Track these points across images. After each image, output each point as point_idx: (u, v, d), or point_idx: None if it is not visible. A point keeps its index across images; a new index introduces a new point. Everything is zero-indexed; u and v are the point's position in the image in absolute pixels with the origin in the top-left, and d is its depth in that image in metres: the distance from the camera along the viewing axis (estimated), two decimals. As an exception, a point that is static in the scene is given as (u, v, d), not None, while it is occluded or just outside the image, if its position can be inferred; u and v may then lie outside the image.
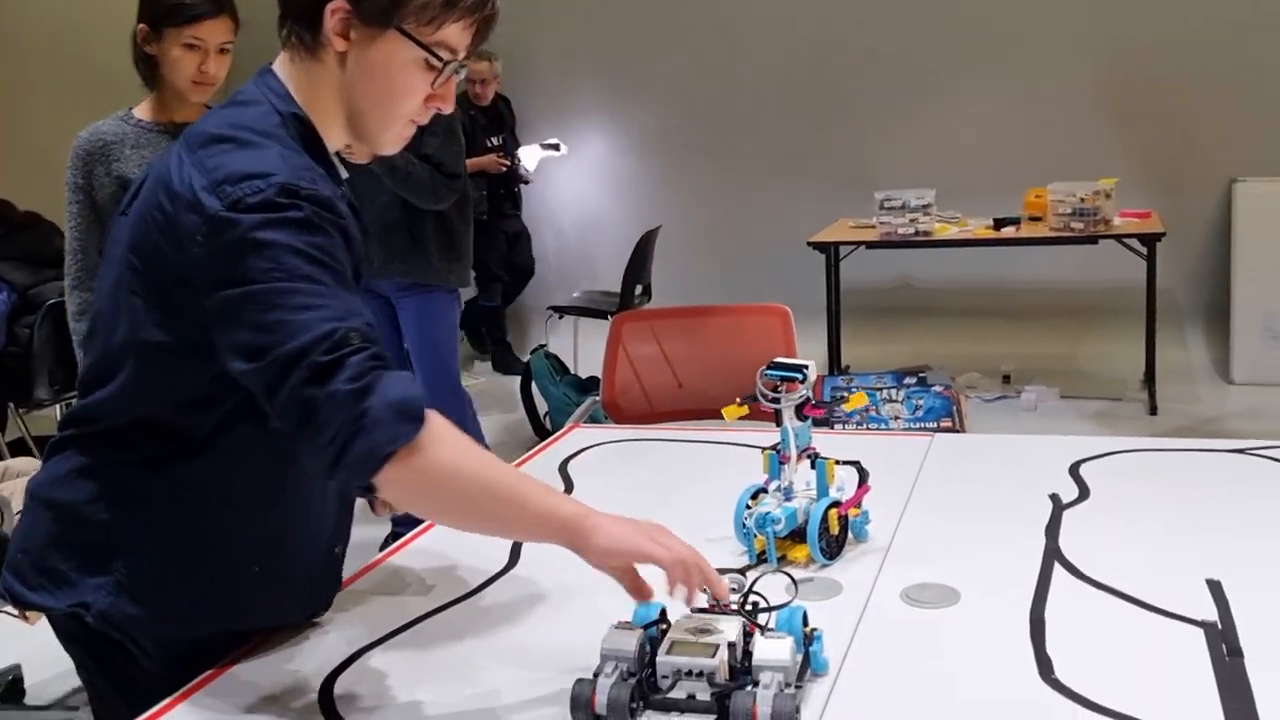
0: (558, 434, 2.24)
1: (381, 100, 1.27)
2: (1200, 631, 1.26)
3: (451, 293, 3.59)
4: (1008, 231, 4.95)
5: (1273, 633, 1.24)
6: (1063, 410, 4.99)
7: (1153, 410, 4.85)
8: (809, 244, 5.19)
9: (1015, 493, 1.71)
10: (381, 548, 1.72)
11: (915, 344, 5.80)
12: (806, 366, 1.48)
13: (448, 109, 1.31)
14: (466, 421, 3.68)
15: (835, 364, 5.36)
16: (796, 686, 1.13)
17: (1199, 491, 1.70)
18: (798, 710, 1.09)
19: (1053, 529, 1.57)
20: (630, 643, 1.13)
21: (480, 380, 6.15)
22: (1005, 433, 4.63)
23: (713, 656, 1.11)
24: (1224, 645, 1.22)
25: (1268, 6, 5.30)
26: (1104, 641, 1.25)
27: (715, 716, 1.09)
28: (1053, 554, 1.48)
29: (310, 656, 1.33)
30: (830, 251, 5.21)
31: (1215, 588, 1.36)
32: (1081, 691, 1.15)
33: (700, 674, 1.11)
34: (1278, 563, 1.43)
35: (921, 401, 4.81)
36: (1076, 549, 1.49)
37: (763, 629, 1.15)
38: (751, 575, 1.21)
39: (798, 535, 1.48)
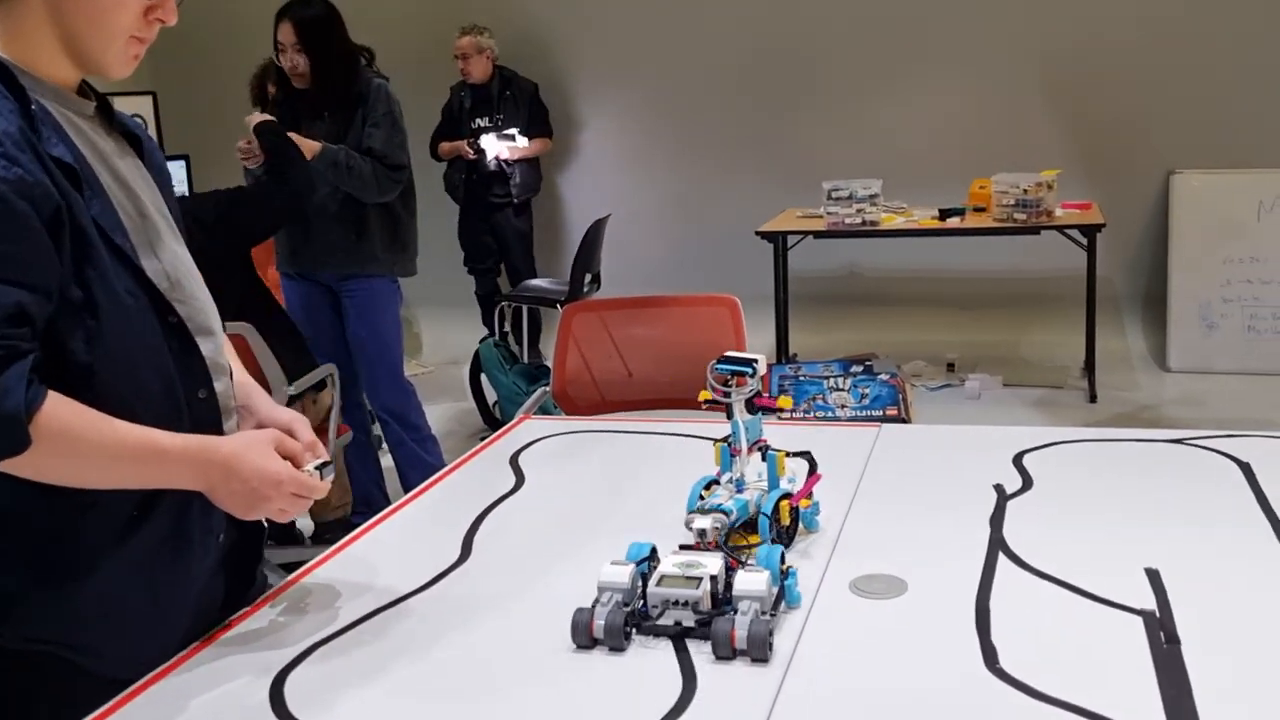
0: (508, 425, 2.23)
1: (93, 17, 1.23)
2: (1139, 620, 1.29)
3: (394, 283, 3.57)
4: (953, 222, 5.01)
5: (1209, 621, 1.28)
6: (1006, 398, 5.08)
7: (1092, 398, 4.94)
8: (757, 233, 5.22)
9: (960, 483, 1.74)
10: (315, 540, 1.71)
11: (862, 333, 5.86)
12: (756, 361, 1.51)
13: (170, 20, 1.28)
14: (410, 411, 3.66)
15: (783, 353, 5.40)
16: (771, 614, 1.26)
17: (1138, 481, 1.73)
18: (771, 634, 1.23)
19: (997, 519, 1.60)
20: (624, 576, 1.28)
21: (428, 369, 6.11)
22: (950, 420, 4.76)
23: (697, 588, 1.26)
24: (1162, 634, 1.25)
25: (1204, 4, 5.40)
26: (1047, 630, 1.28)
27: (699, 640, 1.24)
28: (997, 544, 1.51)
29: (261, 652, 1.32)
30: (778, 241, 5.24)
31: (1154, 576, 1.39)
32: (1025, 680, 1.17)
33: (686, 603, 1.26)
34: (1213, 552, 1.47)
35: (868, 390, 4.86)
36: (1020, 539, 1.52)
37: (743, 564, 1.31)
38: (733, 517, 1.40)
39: (749, 526, 1.50)
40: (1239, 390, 5.01)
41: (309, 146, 3.28)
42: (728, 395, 1.51)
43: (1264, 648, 1.22)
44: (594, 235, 5.45)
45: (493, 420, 4.93)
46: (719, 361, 1.52)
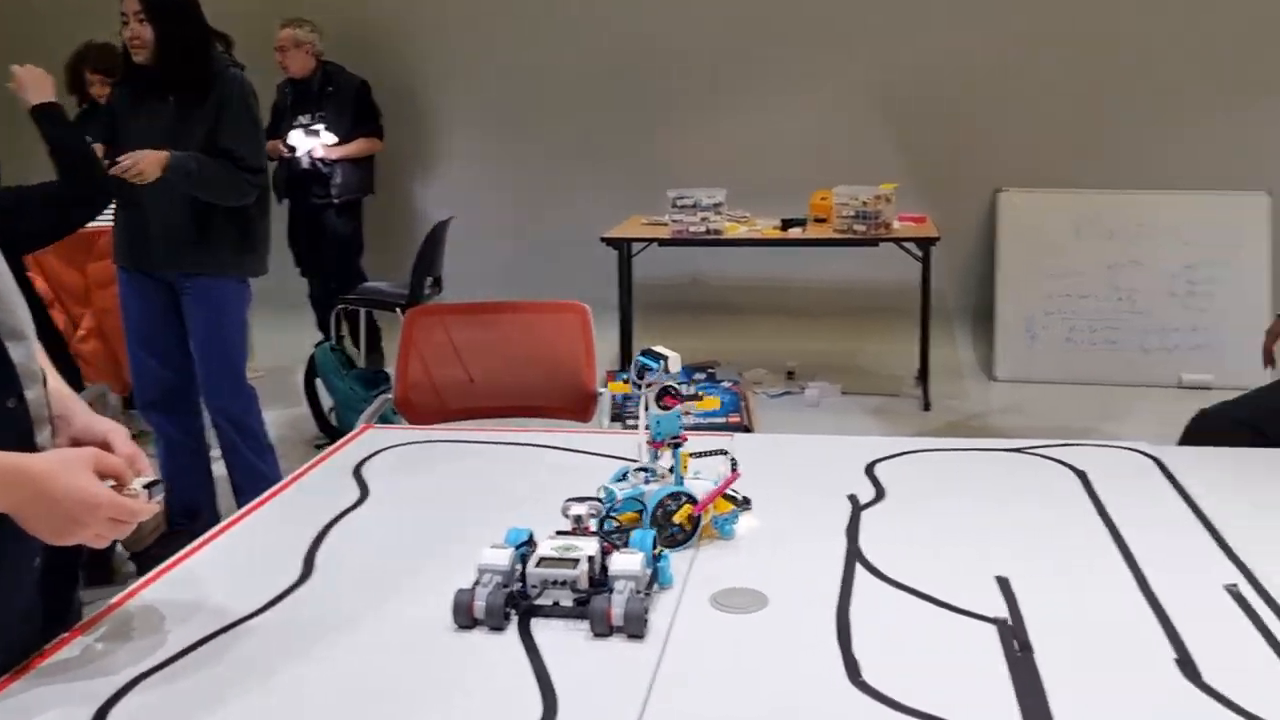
0: (350, 435, 2.14)
1: None
2: (994, 628, 1.30)
3: (242, 282, 3.39)
4: (795, 232, 5.10)
5: (1058, 628, 1.30)
6: (844, 405, 5.19)
7: (926, 406, 5.11)
8: (602, 240, 5.20)
9: (816, 494, 1.74)
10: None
11: (704, 340, 5.90)
12: (666, 357, 1.54)
13: None
14: (250, 417, 3.49)
15: (625, 360, 5.39)
16: (646, 594, 1.32)
17: (984, 490, 1.77)
18: (646, 611, 1.29)
19: (853, 530, 1.61)
20: (504, 558, 1.34)
21: (258, 374, 5.86)
22: (791, 427, 4.83)
23: (575, 568, 1.32)
24: (1015, 642, 1.27)
25: (1030, 35, 5.67)
26: (907, 642, 1.28)
27: (578, 618, 1.30)
28: (854, 555, 1.52)
29: (80, 683, 1.21)
30: (623, 248, 5.24)
31: (1004, 584, 1.41)
32: (888, 693, 1.17)
33: (564, 583, 1.32)
34: (1058, 559, 1.50)
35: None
36: (876, 549, 1.53)
37: (618, 547, 1.36)
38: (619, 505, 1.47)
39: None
40: (1060, 398, 5.26)
41: (157, 158, 3.03)
42: (639, 388, 1.55)
43: (1112, 652, 1.25)
44: (436, 238, 5.33)
45: (328, 427, 4.76)
46: (641, 354, 1.57)
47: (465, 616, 1.30)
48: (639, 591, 1.31)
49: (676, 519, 1.51)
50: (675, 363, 1.54)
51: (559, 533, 1.40)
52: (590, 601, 1.29)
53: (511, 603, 1.32)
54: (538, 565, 1.34)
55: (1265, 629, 1.30)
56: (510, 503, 1.72)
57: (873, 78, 5.84)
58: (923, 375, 5.24)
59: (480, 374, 2.85)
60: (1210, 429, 2.81)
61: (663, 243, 5.19)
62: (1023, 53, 5.66)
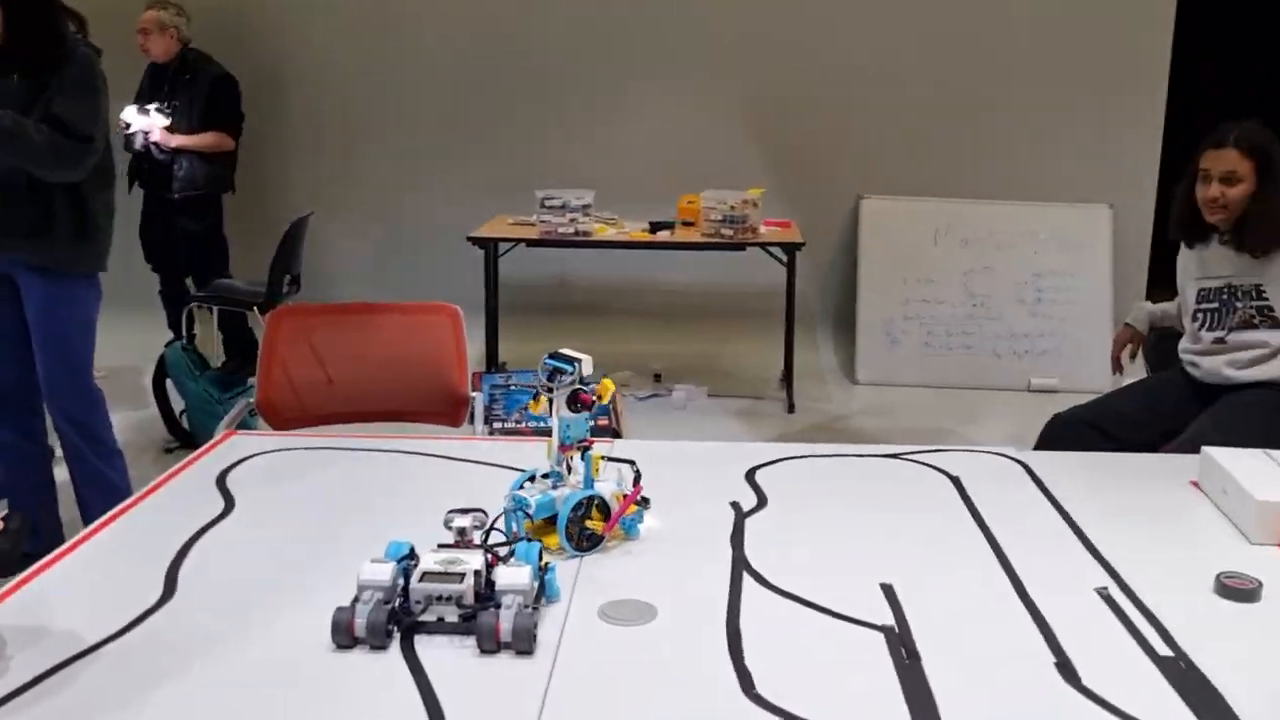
0: (212, 442, 2.03)
1: None
2: (881, 636, 1.31)
3: (90, 279, 3.19)
4: (663, 235, 5.11)
5: (943, 634, 1.32)
6: (711, 408, 5.23)
7: (790, 408, 5.18)
8: (469, 239, 5.12)
9: (699, 501, 1.73)
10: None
11: (571, 342, 5.76)
12: (579, 360, 1.52)
13: None
14: (96, 421, 3.30)
15: (492, 361, 5.33)
16: (534, 608, 1.28)
17: (864, 496, 1.79)
18: (535, 626, 1.26)
19: (737, 538, 1.60)
20: (385, 573, 1.28)
21: (101, 374, 5.57)
22: (659, 429, 4.83)
23: (461, 582, 1.27)
24: (903, 649, 1.28)
25: (892, 47, 5.81)
26: (798, 651, 1.28)
27: (464, 634, 1.26)
28: (740, 564, 1.51)
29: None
30: (490, 248, 5.17)
31: (889, 591, 1.43)
32: (783, 705, 1.16)
33: (450, 598, 1.27)
34: (939, 565, 1.52)
35: (579, 400, 4.87)
36: (762, 557, 1.53)
37: (503, 560, 1.33)
38: (493, 513, 1.42)
39: (553, 522, 1.50)
40: (919, 401, 5.41)
41: None
42: (550, 390, 1.52)
43: (996, 658, 1.27)
44: (294, 235, 5.15)
45: (179, 431, 4.56)
46: (549, 357, 1.54)
47: (345, 636, 1.25)
48: (527, 606, 1.27)
49: (589, 524, 1.51)
50: (588, 365, 1.52)
51: (442, 546, 1.35)
52: (477, 617, 1.25)
53: (394, 620, 1.27)
54: (421, 580, 1.29)
55: (1136, 631, 1.34)
56: (388, 514, 1.66)
57: (739, 83, 5.90)
58: (787, 378, 5.32)
59: (348, 377, 2.75)
60: (1064, 432, 2.92)
61: (530, 243, 5.13)
62: (886, 63, 5.81)
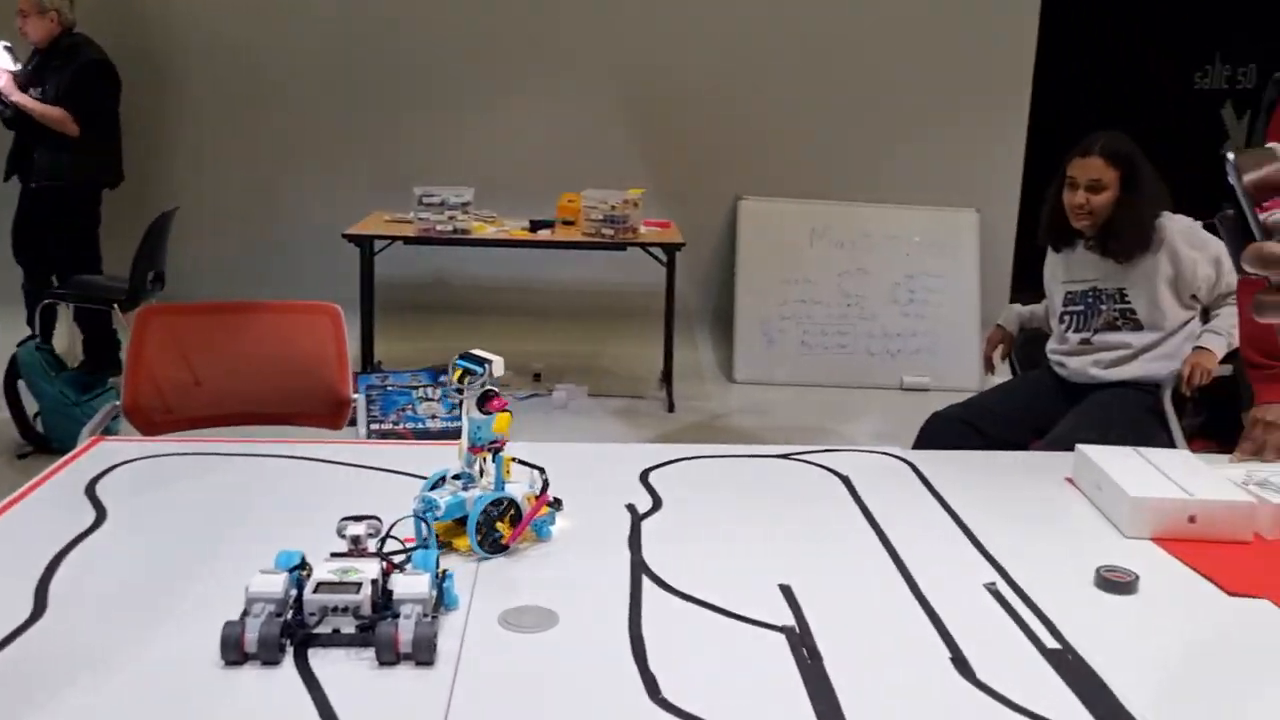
0: (78, 449, 1.93)
1: None
2: (783, 637, 1.32)
3: None
4: (543, 234, 5.08)
5: (842, 633, 1.33)
6: (591, 408, 5.22)
7: (670, 408, 5.21)
8: (344, 236, 5.00)
9: (594, 504, 1.72)
10: None
11: (449, 341, 5.76)
12: (490, 361, 1.50)
13: None
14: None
15: (368, 361, 5.22)
16: (433, 617, 1.25)
17: (758, 497, 1.80)
18: (435, 636, 1.23)
19: (635, 541, 1.59)
20: (277, 585, 1.23)
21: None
22: (540, 429, 4.80)
23: (358, 592, 1.23)
24: (804, 649, 1.29)
25: (770, 50, 5.90)
26: (701, 654, 1.28)
27: (362, 646, 1.22)
28: (639, 567, 1.50)
29: None
30: (366, 245, 5.06)
31: (787, 592, 1.44)
32: (689, 709, 1.15)
33: (346, 609, 1.23)
34: (834, 564, 1.54)
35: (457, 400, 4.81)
36: (660, 560, 1.52)
37: (399, 568, 1.30)
38: (389, 520, 1.36)
39: (463, 524, 1.50)
40: (795, 400, 5.50)
41: None
42: (461, 391, 1.51)
43: (894, 655, 1.29)
44: (159, 230, 4.96)
45: (33, 435, 4.33)
46: (459, 358, 1.51)
47: (235, 651, 1.19)
48: (426, 615, 1.24)
49: (500, 526, 1.49)
50: (499, 366, 1.51)
51: (335, 555, 1.31)
52: (375, 628, 1.21)
53: (287, 633, 1.22)
54: (315, 591, 1.24)
55: (1024, 625, 1.38)
56: (274, 522, 1.60)
57: (619, 83, 5.91)
58: (667, 377, 5.34)
59: (222, 379, 2.65)
60: (941, 429, 3.00)
61: (408, 241, 5.05)
62: (763, 66, 5.89)
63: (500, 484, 1.52)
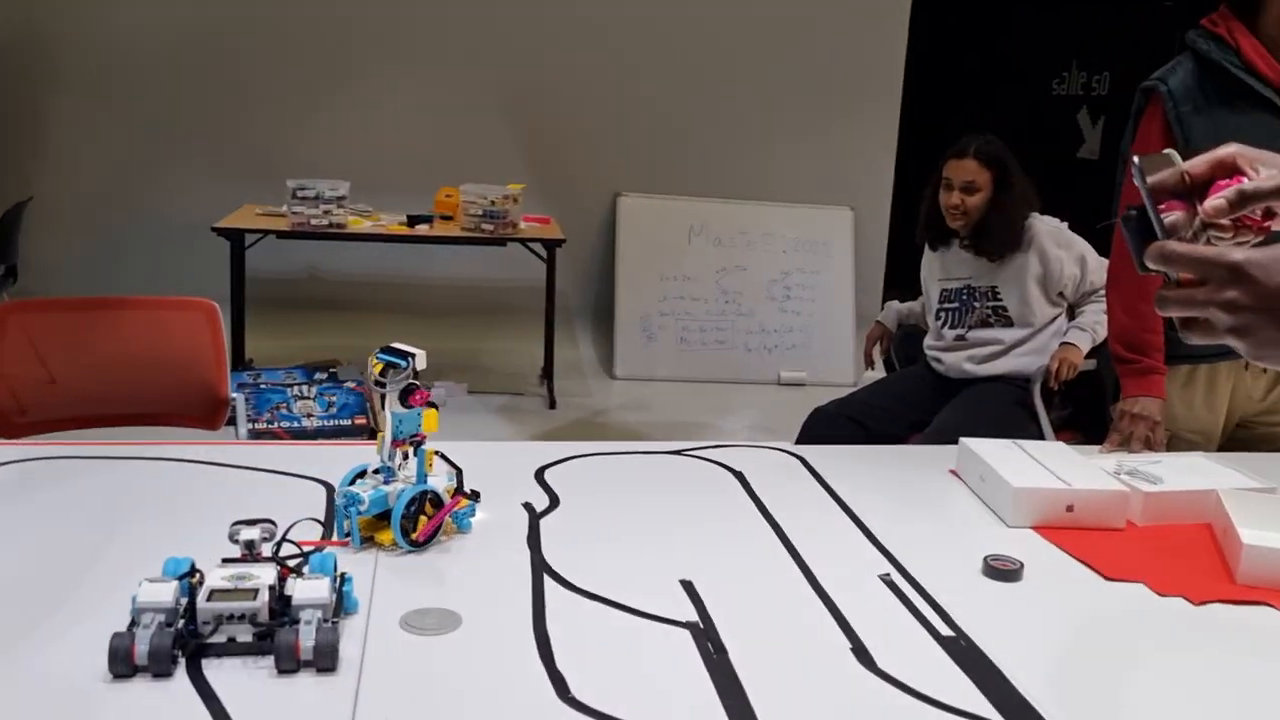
0: (-63, 453, 1.82)
1: None
2: (687, 632, 1.33)
3: None
4: (421, 229, 5.01)
5: (746, 627, 1.34)
6: (471, 405, 5.17)
7: (552, 404, 5.20)
8: (214, 230, 4.84)
9: (491, 503, 1.69)
10: None
11: (324, 338, 5.67)
12: (413, 355, 1.50)
13: None
14: None
15: (239, 359, 5.06)
16: (334, 622, 1.22)
17: (653, 494, 1.81)
18: (338, 641, 1.19)
19: (534, 540, 1.58)
20: (166, 594, 1.18)
21: None
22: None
23: (254, 599, 1.19)
24: (709, 644, 1.30)
25: (647, 47, 5.93)
26: (608, 652, 1.27)
27: (259, 654, 1.18)
28: (540, 566, 1.49)
29: None
30: (236, 239, 4.91)
31: (689, 587, 1.44)
32: (599, 707, 1.15)
33: (242, 617, 1.19)
34: (733, 558, 1.56)
35: (334, 398, 4.71)
36: (561, 559, 1.51)
37: (295, 572, 1.26)
38: (284, 525, 1.32)
39: (385, 518, 1.49)
40: (675, 395, 5.54)
41: None
42: (383, 385, 1.49)
43: (797, 647, 1.31)
44: (9, 223, 4.73)
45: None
46: (380, 351, 1.51)
47: (124, 664, 1.14)
48: (327, 620, 1.21)
49: (423, 520, 1.49)
50: (421, 360, 1.50)
51: (227, 560, 1.27)
52: (274, 635, 1.17)
53: (179, 644, 1.17)
54: (209, 599, 1.20)
55: (919, 614, 1.41)
56: (157, 529, 1.54)
57: (497, 76, 5.86)
58: (547, 374, 5.33)
59: (89, 378, 2.54)
60: (823, 424, 3.06)
61: (281, 235, 4.91)
62: (642, 63, 5.92)
63: (423, 477, 1.52)
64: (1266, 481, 1.84)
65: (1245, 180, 0.94)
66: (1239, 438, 2.36)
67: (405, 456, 1.53)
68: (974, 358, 3.07)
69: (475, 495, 1.60)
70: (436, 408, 1.54)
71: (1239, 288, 0.89)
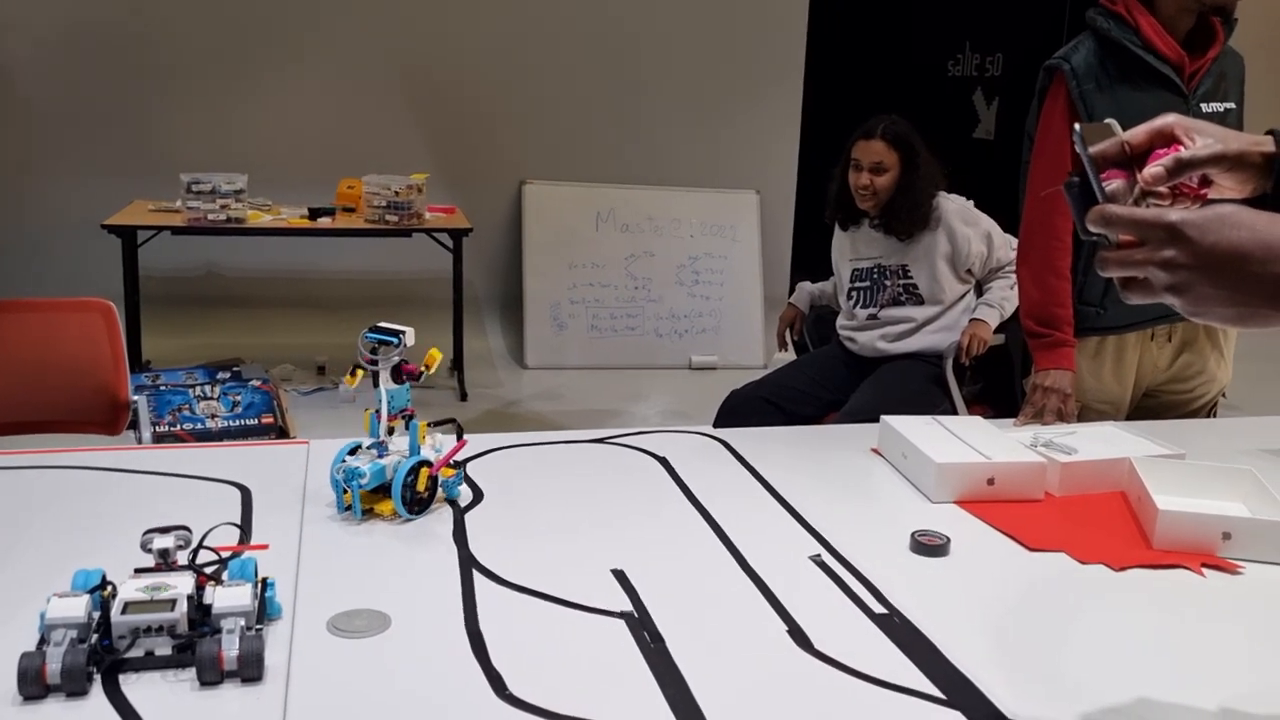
0: None
1: None
2: (622, 623, 1.31)
3: None
4: (324, 222, 4.90)
5: (681, 615, 1.33)
6: (380, 400, 5.07)
7: (463, 396, 5.13)
8: (103, 227, 4.67)
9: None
10: None
11: (224, 336, 5.52)
12: (404, 332, 1.59)
13: None
14: None
15: (135, 360, 4.90)
16: (257, 629, 1.18)
17: (578, 483, 1.79)
18: (263, 649, 1.15)
19: (460, 535, 1.55)
20: (77, 608, 1.13)
21: None
22: (328, 424, 4.64)
23: (173, 610, 1.14)
24: (645, 633, 1.28)
25: (551, 33, 5.87)
26: (543, 645, 1.25)
27: (180, 667, 1.14)
28: (468, 562, 1.46)
29: None
30: (128, 236, 4.74)
31: (621, 577, 1.43)
32: (538, 703, 1.13)
33: (160, 629, 1.14)
34: (663, 545, 1.54)
35: (239, 397, 4.58)
36: (489, 553, 1.48)
37: (215, 579, 1.21)
38: (199, 530, 1.28)
39: (386, 490, 1.56)
40: (587, 383, 5.52)
41: None
42: (375, 363, 1.58)
43: (733, 632, 1.30)
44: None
45: None
46: (369, 331, 1.60)
47: (36, 685, 1.08)
48: (250, 628, 1.16)
49: (420, 486, 1.56)
50: (411, 337, 1.60)
51: (140, 570, 1.21)
52: (195, 647, 1.13)
53: (94, 660, 1.12)
54: (124, 612, 1.14)
55: (851, 593, 1.42)
56: (61, 541, 1.46)
57: (399, 65, 5.76)
58: (457, 365, 5.26)
59: (-22, 385, 2.42)
60: (740, 406, 3.07)
61: (176, 231, 4.76)
62: (544, 49, 5.86)
63: (415, 449, 1.58)
64: (1175, 448, 1.89)
65: (1182, 149, 0.97)
66: (1146, 406, 2.43)
67: (391, 432, 1.60)
68: (886, 335, 3.11)
69: (459, 465, 1.69)
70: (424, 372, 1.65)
71: (1175, 247, 0.92)
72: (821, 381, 3.12)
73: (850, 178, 3.07)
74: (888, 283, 3.11)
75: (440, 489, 1.63)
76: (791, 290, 3.54)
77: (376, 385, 1.60)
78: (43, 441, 2.34)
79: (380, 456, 1.58)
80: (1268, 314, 0.91)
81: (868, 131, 3.04)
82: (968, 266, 3.09)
